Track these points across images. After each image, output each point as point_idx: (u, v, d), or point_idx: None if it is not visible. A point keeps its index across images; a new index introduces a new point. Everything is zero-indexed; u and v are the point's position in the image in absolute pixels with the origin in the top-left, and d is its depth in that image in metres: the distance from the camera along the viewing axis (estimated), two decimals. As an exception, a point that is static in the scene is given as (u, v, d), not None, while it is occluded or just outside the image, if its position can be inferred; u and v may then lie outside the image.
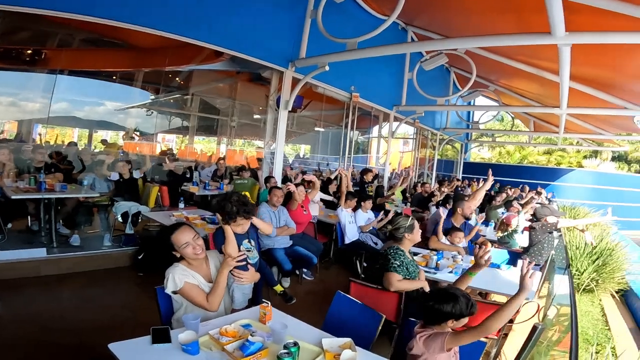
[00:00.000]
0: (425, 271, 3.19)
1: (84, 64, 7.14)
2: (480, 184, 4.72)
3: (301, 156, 14.71)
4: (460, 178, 14.34)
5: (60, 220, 4.73)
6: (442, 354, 1.71)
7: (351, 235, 4.93)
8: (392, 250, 2.84)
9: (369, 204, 5.30)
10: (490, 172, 4.63)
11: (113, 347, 1.65)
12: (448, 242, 4.13)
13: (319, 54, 5.20)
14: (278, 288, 3.74)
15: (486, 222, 6.31)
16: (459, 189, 10.86)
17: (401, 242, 2.91)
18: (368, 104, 7.91)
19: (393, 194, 7.55)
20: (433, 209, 6.36)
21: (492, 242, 5.07)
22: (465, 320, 1.77)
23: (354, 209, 5.18)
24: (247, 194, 4.76)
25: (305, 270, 4.60)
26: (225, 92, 9.91)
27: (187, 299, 2.06)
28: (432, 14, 7.21)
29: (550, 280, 4.49)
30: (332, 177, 6.83)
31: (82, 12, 3.78)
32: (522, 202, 7.88)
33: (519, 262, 3.93)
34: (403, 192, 8.64)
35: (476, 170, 15.94)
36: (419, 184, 9.23)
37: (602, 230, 8.62)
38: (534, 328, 2.20)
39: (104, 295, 3.74)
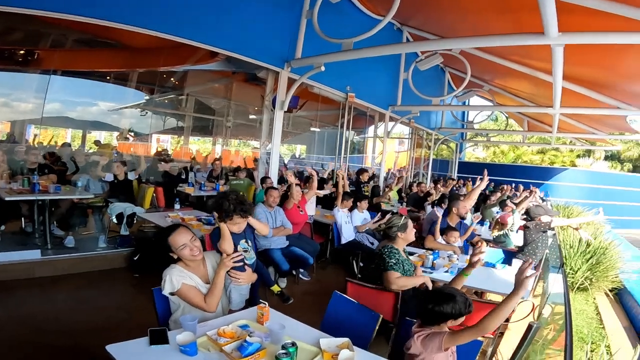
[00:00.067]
0: (422, 271, 3.20)
1: (78, 65, 7.10)
2: (477, 183, 4.75)
3: (297, 156, 14.71)
4: (455, 178, 14.41)
5: (55, 222, 4.70)
6: (440, 353, 1.72)
7: (347, 235, 4.94)
8: (386, 250, 2.85)
9: (365, 204, 5.31)
10: (485, 172, 4.65)
11: (111, 348, 1.64)
12: (444, 242, 4.15)
13: (314, 54, 5.19)
14: (275, 288, 3.74)
15: (481, 222, 6.34)
16: (454, 188, 10.91)
17: (395, 241, 2.93)
18: (364, 104, 7.92)
19: (391, 189, 7.59)
20: (429, 209, 6.38)
21: (487, 241, 5.09)
22: (462, 319, 1.79)
23: (350, 209, 5.19)
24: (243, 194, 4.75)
25: (302, 270, 4.60)
26: (220, 92, 9.88)
27: (185, 300, 2.05)
28: (427, 14, 7.25)
29: (545, 279, 4.52)
30: (325, 176, 6.84)
31: (75, 12, 3.74)
32: (517, 201, 7.94)
33: (514, 261, 3.97)
34: (399, 191, 8.68)
35: (471, 169, 16.03)
36: (415, 184, 9.27)
37: (596, 229, 8.70)
38: (530, 327, 2.22)
39: (100, 297, 3.72)
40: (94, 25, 3.93)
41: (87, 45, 6.80)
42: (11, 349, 2.64)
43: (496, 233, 5.32)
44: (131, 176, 5.39)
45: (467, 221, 4.64)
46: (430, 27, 7.95)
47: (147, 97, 9.24)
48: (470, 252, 3.74)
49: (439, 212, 4.74)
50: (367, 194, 7.09)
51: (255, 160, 7.05)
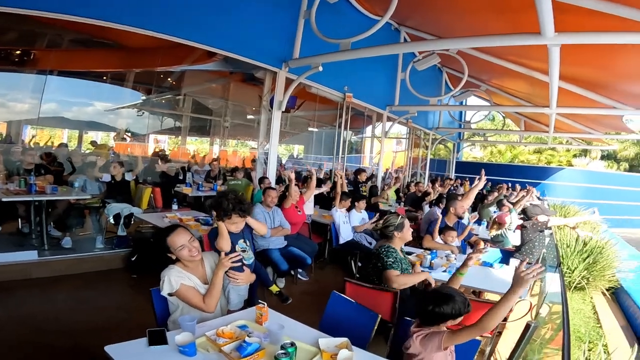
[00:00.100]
0: (420, 270, 3.21)
1: (74, 65, 7.07)
2: (475, 183, 4.76)
3: (295, 156, 14.71)
4: (452, 177, 14.45)
5: (51, 223, 4.68)
6: (439, 352, 1.72)
7: (345, 235, 4.95)
8: (383, 249, 2.86)
9: (362, 204, 5.31)
10: (483, 172, 4.66)
11: (109, 349, 1.64)
12: (442, 242, 4.16)
13: (312, 55, 5.20)
14: (274, 288, 3.74)
15: (479, 221, 6.37)
16: (452, 188, 10.94)
17: (392, 240, 2.94)
18: (361, 104, 7.93)
19: (390, 188, 7.61)
20: (426, 209, 6.40)
21: (485, 241, 5.11)
22: (460, 319, 1.79)
23: (348, 209, 5.19)
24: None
25: (300, 270, 4.60)
26: (218, 92, 9.87)
27: (184, 300, 2.05)
28: (424, 14, 7.26)
29: (542, 279, 4.54)
30: (322, 176, 6.84)
31: (71, 12, 3.73)
32: (514, 200, 7.97)
33: (512, 260, 3.98)
34: (397, 191, 8.69)
35: (468, 169, 16.09)
36: (413, 184, 9.28)
37: (592, 228, 8.74)
38: (527, 326, 2.23)
39: (98, 297, 3.70)
40: (90, 25, 3.92)
41: (83, 45, 6.77)
42: (11, 349, 2.64)
43: (494, 232, 5.34)
44: (128, 177, 5.37)
45: (464, 221, 4.66)
46: (427, 27, 7.97)
47: (144, 97, 9.21)
48: (469, 251, 3.75)
49: (439, 212, 4.76)
50: (365, 194, 7.10)
51: (253, 160, 7.03)
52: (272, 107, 5.69)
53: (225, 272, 2.19)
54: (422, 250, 3.91)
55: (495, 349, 2.83)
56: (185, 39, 4.57)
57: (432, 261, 3.44)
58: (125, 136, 9.25)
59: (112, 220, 4.74)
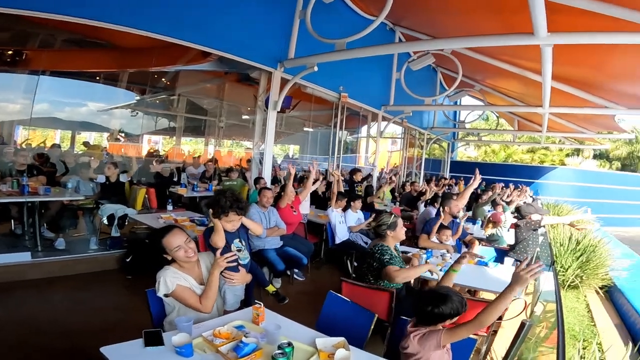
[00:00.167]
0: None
1: (67, 65, 7.02)
2: (470, 182, 4.79)
3: (290, 156, 14.69)
4: (447, 177, 14.52)
5: (45, 224, 4.63)
6: (437, 351, 1.73)
7: (341, 235, 4.95)
8: (377, 248, 2.88)
9: (358, 203, 5.32)
10: (477, 171, 4.69)
11: (105, 350, 1.63)
12: (437, 241, 4.18)
13: (307, 55, 5.20)
14: (270, 288, 3.73)
15: (473, 220, 6.40)
16: (447, 188, 10.99)
17: (385, 239, 2.95)
18: (357, 104, 7.95)
19: (383, 187, 7.64)
20: (422, 208, 6.42)
21: (480, 240, 5.14)
22: (457, 318, 1.80)
23: (344, 209, 5.20)
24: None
25: (296, 270, 4.60)
26: (213, 92, 9.84)
27: (180, 301, 2.04)
28: (419, 14, 7.30)
29: (536, 277, 4.57)
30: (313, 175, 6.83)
31: (63, 12, 3.70)
32: (507, 199, 8.03)
33: (506, 259, 4.01)
34: (392, 191, 8.71)
35: (463, 168, 16.18)
36: (408, 183, 9.31)
37: (585, 226, 8.80)
38: (522, 325, 2.25)
39: (94, 298, 3.67)
40: (83, 25, 3.89)
41: (76, 45, 6.72)
42: (11, 349, 2.63)
43: (489, 231, 5.37)
44: (123, 178, 5.34)
45: (459, 219, 4.68)
46: (422, 27, 8.01)
47: (138, 98, 9.16)
48: (464, 250, 3.78)
49: (434, 212, 4.78)
50: (360, 193, 7.11)
51: (249, 161, 7.02)
52: (267, 107, 5.68)
53: (221, 272, 2.19)
54: (418, 249, 3.92)
55: (491, 348, 2.84)
56: (179, 39, 4.55)
57: (428, 260, 3.45)
58: (118, 137, 9.18)
59: (105, 221, 4.71)
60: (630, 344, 3.85)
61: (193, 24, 4.63)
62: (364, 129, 11.51)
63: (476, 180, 4.66)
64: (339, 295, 2.43)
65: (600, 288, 5.85)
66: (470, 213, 6.79)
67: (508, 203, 7.14)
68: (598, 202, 14.20)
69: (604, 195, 15.64)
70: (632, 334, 4.54)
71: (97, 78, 7.99)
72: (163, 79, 8.96)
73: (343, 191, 5.70)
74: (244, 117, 10.62)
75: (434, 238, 4.18)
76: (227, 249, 2.53)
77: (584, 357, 3.07)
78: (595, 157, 21.56)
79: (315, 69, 5.01)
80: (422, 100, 9.22)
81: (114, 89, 8.35)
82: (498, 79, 9.85)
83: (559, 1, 3.84)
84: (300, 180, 7.39)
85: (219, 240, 2.45)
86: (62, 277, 4.00)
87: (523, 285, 1.75)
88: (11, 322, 3.02)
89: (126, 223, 4.88)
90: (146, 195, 5.48)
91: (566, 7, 3.88)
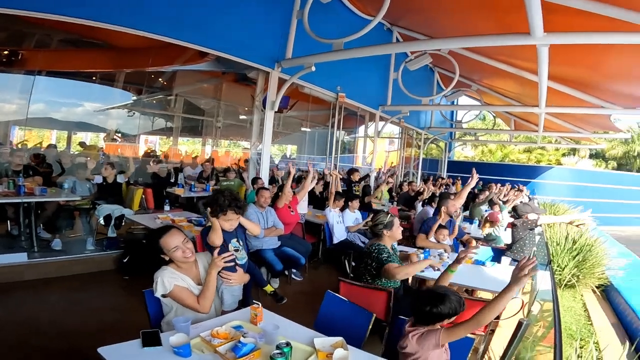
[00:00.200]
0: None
1: (63, 65, 6.97)
2: (468, 182, 4.80)
3: (288, 156, 14.66)
4: (444, 176, 14.57)
5: (41, 225, 4.61)
6: (435, 350, 1.74)
7: (339, 235, 4.95)
8: (374, 247, 2.89)
9: (356, 203, 5.33)
10: (474, 171, 4.70)
11: (103, 351, 1.62)
12: (434, 240, 4.19)
13: (305, 55, 5.20)
14: (268, 288, 3.72)
15: (470, 220, 6.42)
16: (445, 188, 11.02)
17: (382, 238, 2.96)
18: (354, 104, 7.95)
19: (381, 186, 7.65)
20: (419, 208, 6.43)
21: (477, 239, 5.15)
22: (454, 317, 1.81)
23: (342, 209, 5.20)
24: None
25: (294, 270, 4.60)
26: (210, 92, 9.81)
27: (178, 301, 2.04)
28: (416, 14, 7.31)
29: (533, 277, 4.58)
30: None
31: (59, 12, 3.68)
32: (504, 199, 8.06)
33: (503, 258, 4.02)
34: (389, 191, 8.72)
35: (460, 168, 16.23)
36: (406, 183, 9.33)
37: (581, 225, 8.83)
38: (520, 324, 2.25)
39: (91, 299, 3.66)
40: (79, 25, 3.87)
41: (72, 45, 6.68)
42: (11, 349, 2.62)
43: (487, 230, 5.39)
44: (120, 179, 5.32)
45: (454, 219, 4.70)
46: (419, 27, 8.03)
47: (135, 98, 9.11)
48: (461, 250, 3.78)
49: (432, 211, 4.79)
50: (358, 193, 7.11)
51: (246, 161, 7.01)
52: (264, 107, 5.68)
53: (218, 272, 2.18)
54: (416, 249, 3.93)
55: (488, 347, 2.85)
56: (176, 39, 4.53)
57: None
58: (115, 137, 9.14)
59: (102, 222, 4.69)
60: (627, 343, 3.88)
61: (190, 24, 4.62)
62: (362, 129, 11.51)
63: (473, 180, 4.67)
64: (337, 295, 2.43)
65: (597, 287, 5.87)
66: (466, 212, 6.81)
67: (505, 202, 7.16)
68: (594, 202, 14.27)
69: (600, 195, 15.73)
70: (629, 333, 4.56)
71: (94, 78, 7.94)
72: (160, 79, 8.92)
73: (341, 191, 5.70)
74: (242, 117, 10.59)
75: (431, 238, 4.19)
76: (224, 249, 2.53)
77: (581, 356, 3.08)
78: (591, 156, 21.70)
79: (313, 69, 5.01)
80: (420, 100, 9.24)
81: (111, 89, 8.30)
82: (495, 79, 9.88)
83: (555, 1, 3.86)
84: (297, 181, 7.39)
85: (217, 238, 2.45)
86: (58, 278, 3.99)
87: (521, 285, 1.76)
88: (10, 323, 3.01)
89: (123, 223, 4.86)
90: (143, 196, 5.47)
91: (562, 7, 3.90)
